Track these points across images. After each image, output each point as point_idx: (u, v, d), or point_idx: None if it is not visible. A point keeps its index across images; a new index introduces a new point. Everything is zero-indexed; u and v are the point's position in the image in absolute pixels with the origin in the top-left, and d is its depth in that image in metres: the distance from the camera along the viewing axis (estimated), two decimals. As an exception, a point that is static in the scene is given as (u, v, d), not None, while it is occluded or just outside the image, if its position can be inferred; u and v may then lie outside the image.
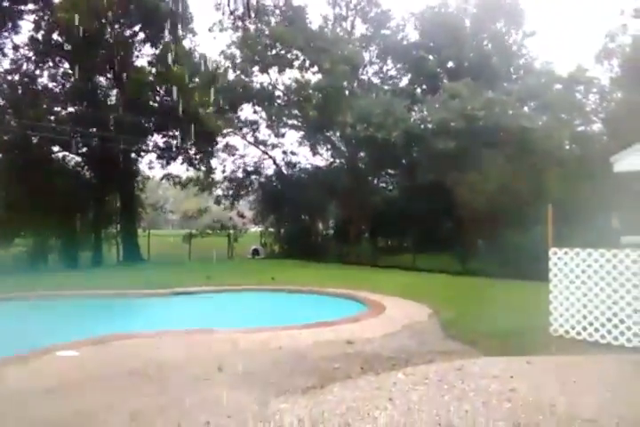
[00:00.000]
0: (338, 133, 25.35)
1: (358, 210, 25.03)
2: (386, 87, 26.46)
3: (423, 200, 21.15)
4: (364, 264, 20.63)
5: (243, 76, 25.73)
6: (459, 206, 17.53)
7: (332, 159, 28.50)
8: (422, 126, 21.37)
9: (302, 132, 27.64)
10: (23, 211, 19.52)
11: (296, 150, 28.54)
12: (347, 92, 23.93)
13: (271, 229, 29.24)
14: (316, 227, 28.63)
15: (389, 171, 27.69)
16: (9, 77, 21.47)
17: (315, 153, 28.00)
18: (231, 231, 27.94)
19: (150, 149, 24.76)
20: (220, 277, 15.21)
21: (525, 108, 21.49)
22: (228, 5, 24.31)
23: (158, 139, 24.70)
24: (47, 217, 19.82)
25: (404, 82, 27.14)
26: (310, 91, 23.59)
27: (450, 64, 25.49)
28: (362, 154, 25.84)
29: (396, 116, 20.49)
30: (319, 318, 8.76)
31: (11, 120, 20.23)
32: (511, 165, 16.89)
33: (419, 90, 25.91)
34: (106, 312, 11.00)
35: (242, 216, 30.38)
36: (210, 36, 36.58)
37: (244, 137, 28.36)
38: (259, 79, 26.38)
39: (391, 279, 15.28)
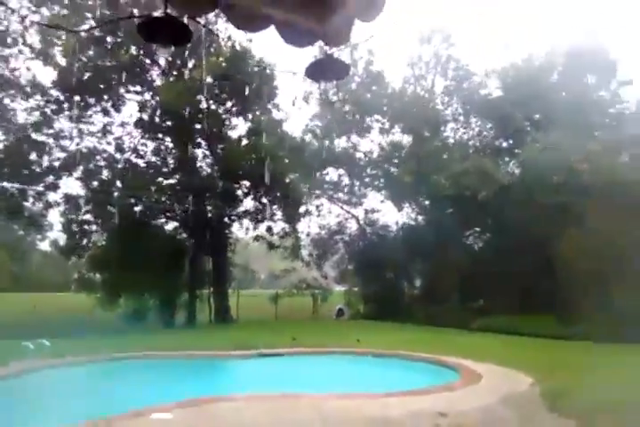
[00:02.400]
0: (422, 192, 25.33)
1: (446, 269, 24.25)
2: (470, 143, 26.38)
3: (517, 258, 20.09)
4: (452, 326, 19.64)
5: (326, 142, 26.96)
6: (559, 264, 16.42)
7: (416, 216, 28.34)
8: (513, 181, 20.77)
9: (385, 192, 27.96)
10: (127, 273, 21.05)
11: (378, 208, 28.81)
12: (430, 151, 24.16)
13: (355, 289, 29.00)
14: (402, 286, 28.00)
15: (477, 228, 26.89)
16: (116, 152, 23.94)
17: (400, 209, 28.04)
18: (316, 291, 28.05)
19: (241, 213, 26.06)
20: (306, 339, 15.14)
21: (626, 158, 20.28)
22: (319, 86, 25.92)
23: (249, 203, 26.07)
24: (146, 278, 21.20)
25: (489, 137, 26.94)
26: (388, 152, 24.09)
27: (537, 116, 25.01)
28: (449, 210, 25.48)
29: (485, 172, 20.16)
30: (407, 385, 8.36)
31: (117, 191, 22.40)
32: (618, 220, 15.75)
33: (505, 144, 25.51)
34: (196, 374, 11.24)
35: (325, 277, 30.51)
36: (295, 105, 38.86)
37: (329, 198, 29.18)
38: (341, 142, 27.53)
39: (484, 343, 14.36)
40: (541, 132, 22.01)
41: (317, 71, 2.33)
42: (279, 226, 26.60)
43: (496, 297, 24.30)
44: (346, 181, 29.01)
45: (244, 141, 24.33)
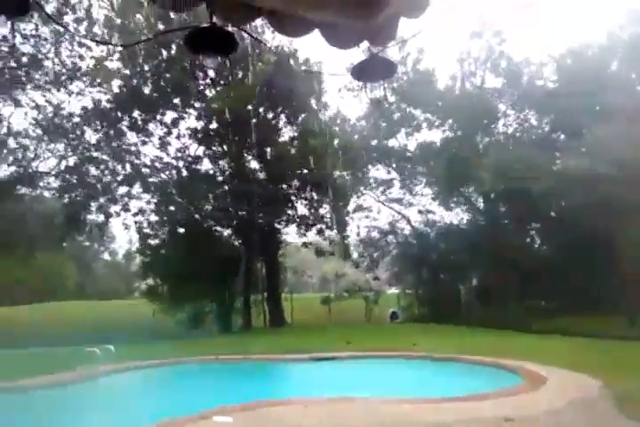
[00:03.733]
0: (473, 189, 24.70)
1: (503, 268, 23.49)
2: (524, 137, 25.48)
3: (579, 255, 19.19)
4: (512, 328, 18.96)
5: (375, 139, 26.83)
6: (625, 261, 15.56)
7: (471, 214, 27.64)
8: (573, 175, 19.85)
9: (436, 190, 27.46)
10: (186, 279, 21.72)
11: (432, 208, 28.33)
12: (480, 147, 23.55)
13: (409, 291, 28.58)
14: (457, 288, 27.36)
15: (535, 225, 25.90)
16: (175, 163, 24.75)
17: (448, 209, 27.46)
18: (368, 294, 27.85)
19: (291, 217, 26.30)
20: (360, 342, 15.05)
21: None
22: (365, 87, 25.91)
23: (299, 207, 26.28)
24: (204, 285, 21.79)
25: (545, 130, 25.90)
26: (437, 149, 23.67)
27: (596, 108, 23.81)
28: (504, 208, 24.71)
29: (540, 166, 19.39)
30: (468, 389, 8.11)
31: (177, 200, 23.15)
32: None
33: (562, 137, 24.45)
34: (252, 377, 11.39)
35: (376, 279, 30.25)
36: (343, 101, 38.89)
37: (379, 197, 28.99)
38: (389, 141, 27.29)
39: (547, 345, 13.78)
40: (601, 123, 20.95)
41: (364, 71, 2.30)
42: (329, 229, 26.64)
43: (558, 297, 23.30)
44: (396, 179, 28.73)
45: (293, 144, 24.57)
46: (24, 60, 20.03)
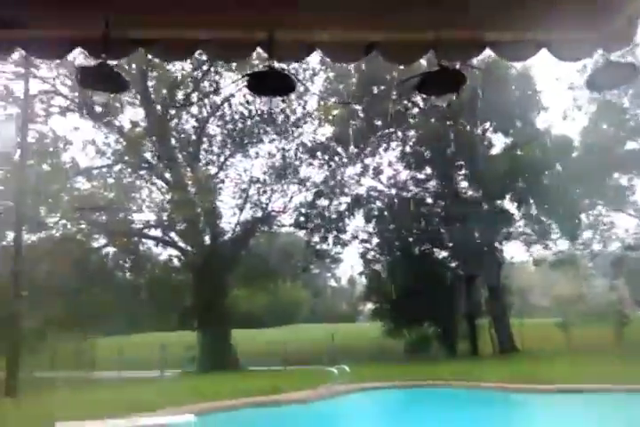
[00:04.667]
0: None
1: None
2: None
3: None
4: None
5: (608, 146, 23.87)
6: None
7: None
8: None
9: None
10: (408, 303, 22.07)
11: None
12: None
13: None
14: None
15: None
16: (387, 190, 25.71)
17: None
18: (621, 317, 24.14)
19: (511, 234, 24.75)
20: (611, 373, 13.06)
21: None
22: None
23: (519, 223, 24.62)
24: (426, 308, 21.78)
25: None
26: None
27: None
28: None
29: None
30: None
31: (391, 225, 24.03)
32: None
33: None
34: (487, 406, 10.83)
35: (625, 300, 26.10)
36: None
37: (618, 208, 25.36)
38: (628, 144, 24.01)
39: None
40: None
41: (601, 80, 2.14)
42: (557, 244, 24.25)
43: None
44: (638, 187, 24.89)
45: (506, 157, 23.35)
46: (257, 118, 23.59)
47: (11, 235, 17.01)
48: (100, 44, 1.55)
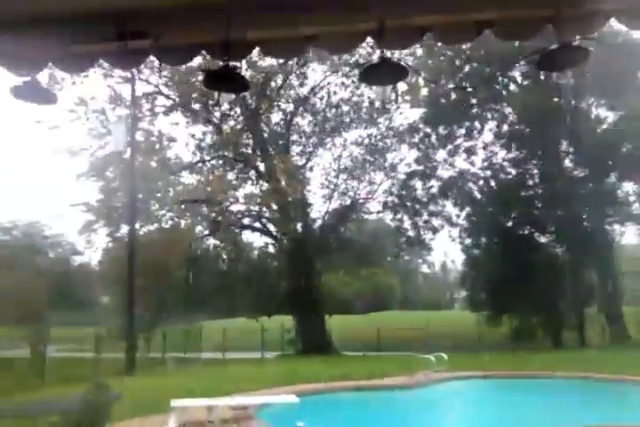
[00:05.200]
0: None
1: None
2: None
3: None
4: None
5: None
6: None
7: None
8: None
9: None
10: (509, 290, 21.21)
11: None
12: None
13: None
14: None
15: None
16: (481, 173, 24.66)
17: None
18: None
19: (625, 215, 22.79)
20: None
21: None
22: None
23: (636, 206, 22.61)
24: (528, 296, 20.79)
25: None
26: None
27: None
28: None
29: None
30: None
31: (487, 208, 23.04)
32: None
33: None
34: (597, 399, 10.15)
35: None
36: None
37: None
38: None
39: None
40: None
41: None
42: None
43: None
44: None
45: (615, 133, 21.41)
46: (345, 108, 23.60)
47: (125, 228, 18.63)
48: (222, 47, 1.66)
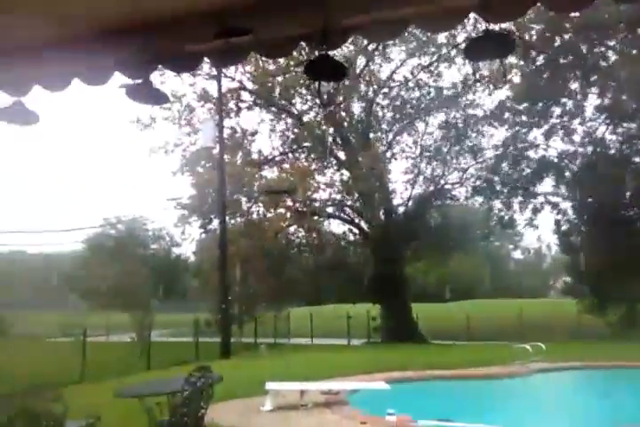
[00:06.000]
0: None
1: None
2: None
3: None
4: None
5: None
6: None
7: None
8: None
9: None
10: (614, 275, 19.70)
11: None
12: None
13: None
14: None
15: None
16: (581, 150, 22.84)
17: None
18: None
19: None
20: None
21: None
22: None
23: None
24: (635, 283, 19.20)
25: None
26: None
27: None
28: None
29: None
30: None
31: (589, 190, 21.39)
32: None
33: None
34: None
35: None
36: None
37: None
38: None
39: None
40: None
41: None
42: None
43: None
44: None
45: None
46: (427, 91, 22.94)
47: (216, 220, 19.50)
48: (321, 36, 1.66)
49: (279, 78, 20.92)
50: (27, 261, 50.87)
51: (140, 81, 1.90)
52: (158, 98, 2.04)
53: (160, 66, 1.89)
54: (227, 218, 18.22)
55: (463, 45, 19.20)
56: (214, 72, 18.41)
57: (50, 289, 42.03)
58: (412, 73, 22.92)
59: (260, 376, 9.20)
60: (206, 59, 1.93)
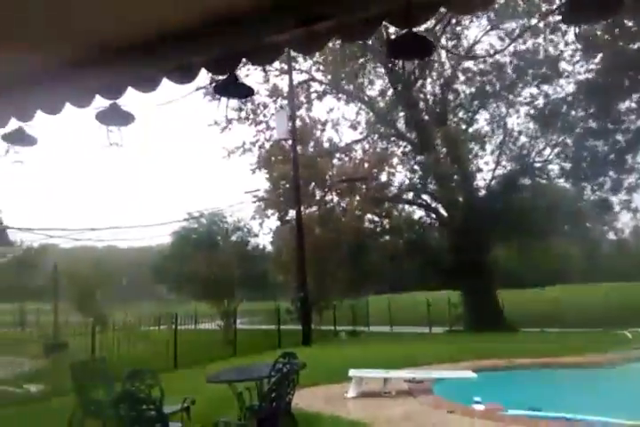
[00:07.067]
0: None
1: None
2: None
3: None
4: None
5: None
6: None
7: None
8: None
9: None
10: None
11: None
12: None
13: None
14: None
15: None
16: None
17: None
18: None
19: None
20: None
21: None
22: None
23: None
24: None
25: None
26: None
27: None
28: None
29: None
30: None
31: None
32: None
33: None
34: None
35: None
36: None
37: None
38: None
39: None
40: None
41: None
42: None
43: None
44: None
45: None
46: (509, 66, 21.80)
47: (292, 211, 19.84)
48: (405, 13, 1.58)
49: (348, 66, 20.75)
50: (118, 256, 54.73)
51: (224, 77, 1.92)
52: (245, 91, 2.05)
53: (244, 59, 1.89)
54: (302, 208, 18.45)
55: (552, 17, 18.05)
56: (285, 66, 18.61)
57: (141, 282, 44.90)
58: (493, 46, 21.83)
59: (341, 363, 9.28)
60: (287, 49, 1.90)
